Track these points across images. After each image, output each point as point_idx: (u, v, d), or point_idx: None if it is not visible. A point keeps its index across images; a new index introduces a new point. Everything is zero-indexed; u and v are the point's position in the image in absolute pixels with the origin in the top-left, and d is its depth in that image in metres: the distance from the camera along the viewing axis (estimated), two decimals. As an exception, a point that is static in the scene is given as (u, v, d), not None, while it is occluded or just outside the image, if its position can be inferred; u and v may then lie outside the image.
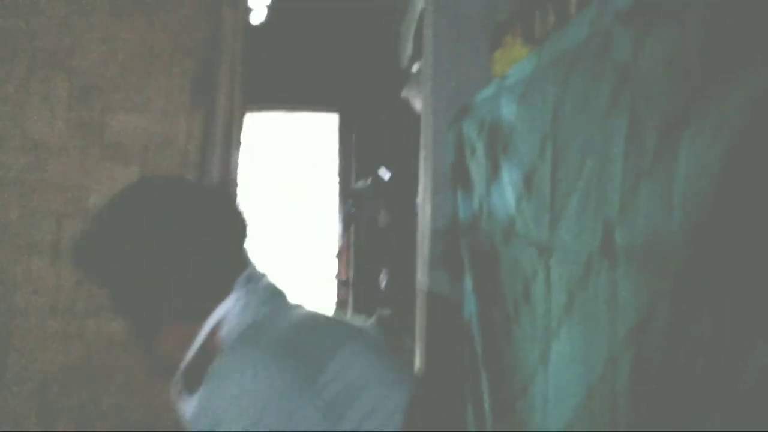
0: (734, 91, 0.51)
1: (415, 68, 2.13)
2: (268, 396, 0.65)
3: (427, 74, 1.58)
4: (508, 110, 1.04)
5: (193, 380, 0.74)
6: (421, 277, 1.41)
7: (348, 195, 3.34)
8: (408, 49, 2.56)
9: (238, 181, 1.36)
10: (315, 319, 0.81)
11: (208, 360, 0.72)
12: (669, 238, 0.61)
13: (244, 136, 1.39)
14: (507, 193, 1.05)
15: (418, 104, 1.95)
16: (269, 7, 2.58)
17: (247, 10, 1.40)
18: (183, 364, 0.75)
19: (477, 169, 1.19)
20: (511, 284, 1.05)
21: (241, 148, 1.36)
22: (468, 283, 1.19)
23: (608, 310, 0.69)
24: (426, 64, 1.61)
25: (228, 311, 0.74)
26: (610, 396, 0.67)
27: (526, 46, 1.23)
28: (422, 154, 1.58)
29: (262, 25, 2.56)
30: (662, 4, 0.63)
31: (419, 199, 1.60)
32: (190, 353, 0.74)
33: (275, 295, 0.80)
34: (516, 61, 1.20)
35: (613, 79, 0.74)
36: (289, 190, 4.05)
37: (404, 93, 2.21)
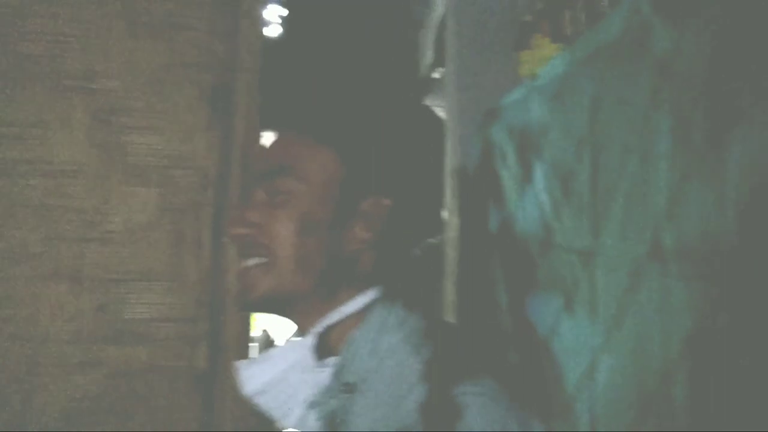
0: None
1: (437, 75, 2.09)
2: None
3: (451, 79, 1.53)
4: (540, 112, 0.99)
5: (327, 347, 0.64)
6: (451, 292, 1.36)
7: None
8: (428, 57, 2.52)
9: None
10: None
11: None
12: (722, 239, 0.55)
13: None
14: (542, 200, 0.99)
15: (441, 111, 1.91)
16: (283, 20, 2.57)
17: (263, 23, 1.37)
18: (323, 324, 0.64)
19: (508, 175, 1.13)
20: (550, 296, 0.98)
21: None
22: (501, 297, 1.13)
23: (661, 318, 0.63)
24: (449, 69, 1.57)
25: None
26: (667, 410, 0.62)
27: (555, 45, 1.18)
28: (448, 162, 1.53)
29: (278, 39, 2.56)
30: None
31: (445, 211, 1.55)
32: (337, 315, 0.64)
33: None
34: (546, 61, 1.15)
35: (653, 74, 0.68)
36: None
37: (427, 101, 2.17)
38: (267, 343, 3.25)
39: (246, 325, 1.25)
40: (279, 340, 3.59)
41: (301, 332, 0.67)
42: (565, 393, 0.84)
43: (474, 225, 1.34)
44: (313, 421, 0.63)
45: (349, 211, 0.64)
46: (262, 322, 3.24)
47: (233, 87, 1.30)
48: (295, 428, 0.65)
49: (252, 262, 0.65)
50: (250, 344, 1.31)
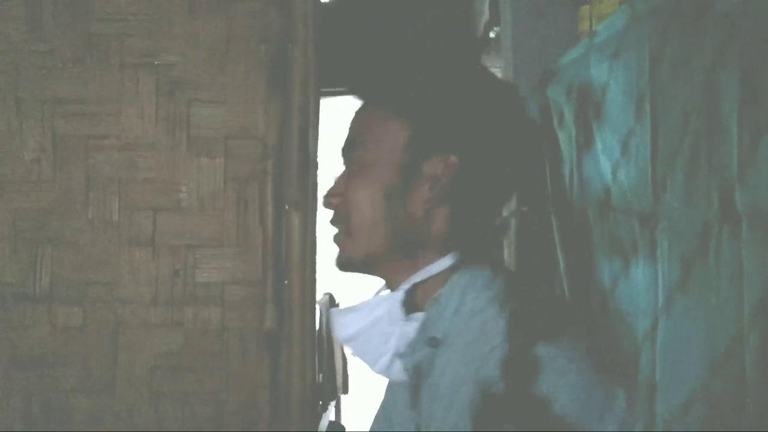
0: None
1: (493, 34, 2.05)
2: None
3: (507, 38, 1.50)
4: (599, 70, 0.96)
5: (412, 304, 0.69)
6: (509, 258, 1.36)
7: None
8: (484, 16, 2.46)
9: (317, 166, 1.36)
10: None
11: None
12: None
13: (321, 121, 1.39)
14: (601, 162, 0.97)
15: (498, 71, 1.87)
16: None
17: (318, -9, 1.38)
18: (412, 281, 0.68)
19: (566, 137, 1.11)
20: (607, 260, 0.98)
21: (318, 134, 1.36)
22: (560, 261, 1.12)
23: (732, 282, 0.62)
24: (505, 27, 1.53)
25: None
26: (736, 375, 0.61)
27: (616, 0, 1.13)
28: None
29: (330, 4, 2.56)
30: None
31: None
32: (424, 274, 0.68)
33: None
34: (606, 17, 1.10)
35: (718, 32, 0.65)
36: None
37: (483, 61, 2.13)
38: (331, 306, 3.36)
39: (311, 288, 1.31)
40: (343, 304, 3.70)
41: (391, 288, 0.72)
42: (622, 357, 0.85)
43: (531, 188, 1.33)
44: (397, 369, 0.68)
45: (416, 171, 0.67)
46: (325, 286, 3.34)
47: (290, 58, 1.33)
48: (380, 374, 0.70)
49: (337, 228, 0.71)
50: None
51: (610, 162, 0.94)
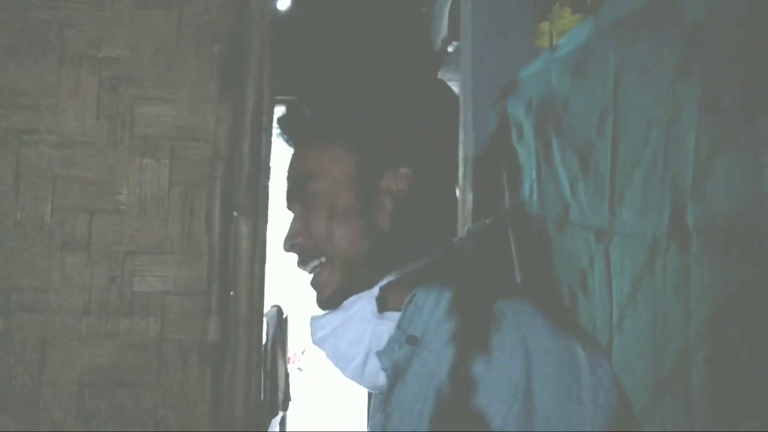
0: None
1: (451, 48, 2.05)
2: None
3: (467, 52, 1.49)
4: (560, 84, 0.96)
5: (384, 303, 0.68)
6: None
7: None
8: (442, 31, 2.47)
9: (269, 171, 1.31)
10: None
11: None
12: (752, 217, 0.53)
13: (274, 126, 1.34)
14: (560, 176, 0.97)
15: (456, 85, 1.87)
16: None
17: (275, -6, 1.34)
18: (388, 279, 0.68)
19: (525, 151, 1.11)
20: (565, 275, 0.97)
21: (271, 138, 1.31)
22: (517, 276, 1.11)
23: (679, 298, 0.61)
24: (464, 41, 1.53)
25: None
26: (683, 394, 0.60)
27: (575, 16, 1.14)
28: (462, 137, 1.50)
29: (287, 12, 2.52)
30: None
31: (459, 188, 1.53)
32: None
33: None
34: (566, 32, 1.11)
35: (682, 43, 0.65)
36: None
37: (441, 75, 2.13)
38: (279, 318, 3.26)
39: (259, 300, 1.25)
40: (291, 316, 3.61)
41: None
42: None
43: (489, 203, 1.32)
44: (370, 371, 0.67)
45: (372, 190, 0.68)
46: (273, 298, 3.25)
47: (244, 58, 1.27)
48: (352, 378, 0.69)
49: (312, 265, 0.70)
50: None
51: (569, 177, 0.93)
